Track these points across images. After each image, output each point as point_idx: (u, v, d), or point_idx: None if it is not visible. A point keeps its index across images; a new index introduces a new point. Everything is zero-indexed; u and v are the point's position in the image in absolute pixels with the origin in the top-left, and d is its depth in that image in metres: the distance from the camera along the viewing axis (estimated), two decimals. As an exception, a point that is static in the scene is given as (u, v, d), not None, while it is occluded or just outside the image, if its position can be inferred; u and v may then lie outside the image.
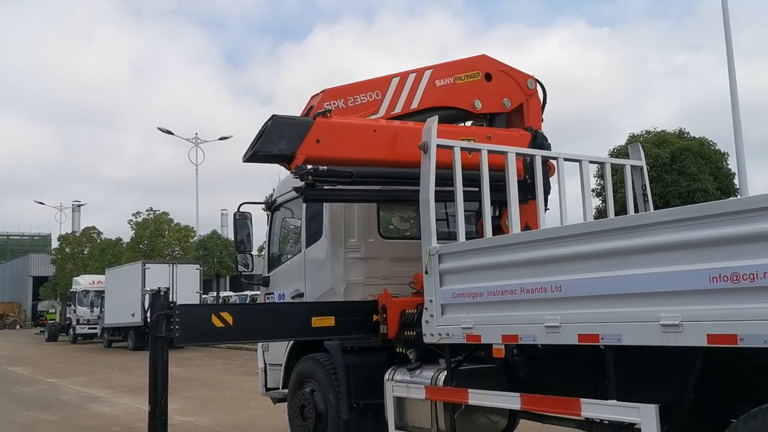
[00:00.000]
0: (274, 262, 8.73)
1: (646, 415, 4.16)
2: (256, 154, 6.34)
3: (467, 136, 6.48)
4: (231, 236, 32.97)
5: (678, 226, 4.04)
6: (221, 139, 38.61)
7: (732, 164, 16.85)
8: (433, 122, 6.06)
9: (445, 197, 6.30)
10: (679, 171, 16.19)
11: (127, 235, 43.49)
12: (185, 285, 28.41)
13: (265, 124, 6.42)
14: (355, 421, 6.82)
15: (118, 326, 30.20)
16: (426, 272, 5.82)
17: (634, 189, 7.33)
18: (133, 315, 28.07)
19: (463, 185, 5.99)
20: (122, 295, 29.23)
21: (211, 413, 11.70)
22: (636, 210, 7.23)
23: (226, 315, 5.94)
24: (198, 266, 29.85)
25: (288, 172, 6.72)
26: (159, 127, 36.66)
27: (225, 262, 31.85)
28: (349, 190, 6.81)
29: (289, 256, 8.53)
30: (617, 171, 7.54)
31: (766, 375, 4.21)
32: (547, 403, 4.93)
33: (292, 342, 7.73)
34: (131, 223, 40.17)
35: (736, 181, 16.67)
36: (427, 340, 5.84)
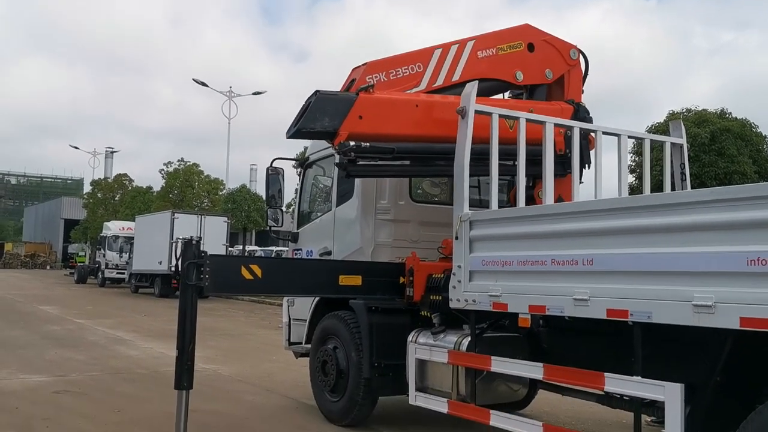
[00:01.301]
0: (303, 218, 8.79)
1: (671, 394, 4.15)
2: (300, 130, 6.35)
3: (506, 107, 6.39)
4: (260, 191, 33.41)
5: (717, 207, 3.97)
6: (255, 93, 38.70)
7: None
8: (472, 87, 5.99)
9: (478, 172, 6.25)
10: (718, 152, 15.81)
11: (157, 183, 44.05)
12: (212, 236, 28.71)
13: (308, 99, 6.41)
14: (376, 380, 6.92)
15: (145, 273, 30.72)
16: (456, 238, 5.82)
17: (672, 167, 7.22)
18: (161, 263, 28.53)
19: (499, 159, 5.95)
20: (151, 242, 29.67)
21: (233, 363, 11.91)
22: (672, 189, 7.13)
23: (255, 267, 6.01)
24: (226, 219, 30.10)
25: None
26: (194, 79, 36.81)
27: (252, 216, 32.08)
28: (390, 165, 6.80)
29: (318, 214, 8.57)
30: (654, 148, 7.39)
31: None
32: (570, 375, 4.94)
33: (317, 298, 7.82)
34: (162, 172, 40.63)
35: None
36: (453, 305, 5.87)
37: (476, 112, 5.95)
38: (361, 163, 6.56)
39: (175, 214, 28.83)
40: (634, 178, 15.11)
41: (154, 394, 9.02)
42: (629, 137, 6.91)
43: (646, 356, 4.46)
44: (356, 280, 6.54)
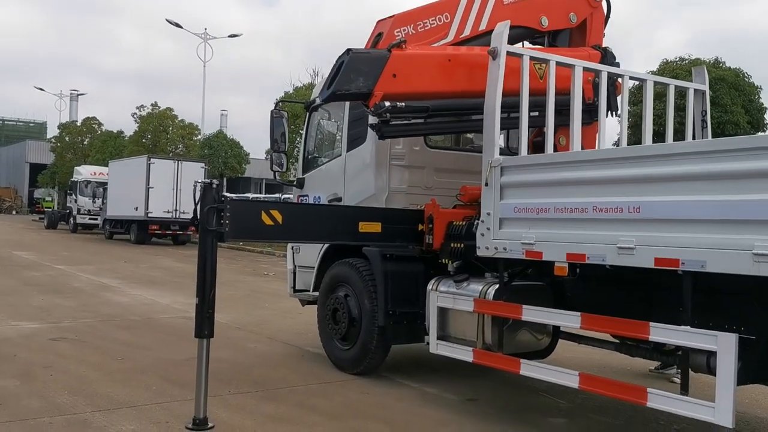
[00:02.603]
0: (309, 163, 8.53)
1: (724, 344, 4.07)
2: (335, 93, 6.13)
3: (536, 62, 6.15)
4: (236, 137, 32.80)
5: (784, 153, 3.84)
6: (231, 36, 37.63)
7: (764, 98, 16.51)
8: (504, 26, 5.74)
9: (505, 125, 6.06)
10: (712, 101, 15.71)
11: (125, 127, 43.02)
12: (190, 183, 28.00)
13: (339, 59, 6.15)
14: (390, 328, 6.83)
15: (120, 219, 30.17)
16: (486, 184, 5.64)
17: (693, 114, 7.09)
18: (137, 209, 28.05)
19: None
20: (126, 188, 29.07)
21: (227, 311, 11.71)
22: (693, 136, 7.02)
23: (275, 213, 5.78)
24: (203, 165, 29.57)
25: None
26: (167, 19, 35.58)
27: (230, 162, 31.56)
28: (424, 123, 6.60)
29: (325, 159, 8.32)
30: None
31: None
32: (611, 324, 4.84)
33: (326, 245, 7.65)
34: (135, 116, 39.57)
35: (766, 116, 16.44)
36: (481, 252, 5.73)
37: (508, 53, 5.71)
38: (394, 123, 6.35)
39: (151, 159, 28.21)
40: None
41: (153, 342, 8.85)
42: (655, 83, 6.74)
43: (694, 306, 4.38)
44: (376, 227, 6.36)
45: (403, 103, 6.13)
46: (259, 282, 16.61)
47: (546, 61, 5.97)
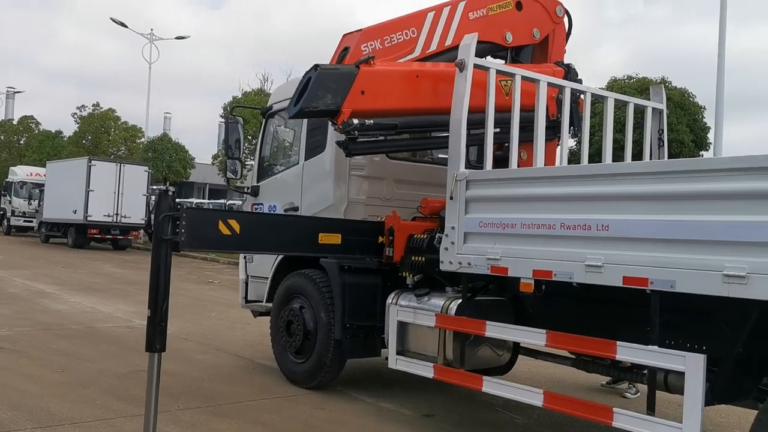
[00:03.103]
0: (264, 171, 8.31)
1: (692, 364, 4.06)
2: (303, 110, 5.98)
3: (501, 77, 6.11)
4: (181, 141, 32.06)
5: (755, 175, 3.86)
6: (178, 38, 36.80)
7: (707, 118, 17.03)
8: (472, 38, 5.69)
9: (470, 141, 6.00)
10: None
11: (65, 127, 41.61)
12: (132, 186, 27.51)
13: (307, 75, 6.02)
14: (347, 341, 6.68)
15: (57, 222, 29.13)
16: (450, 198, 5.56)
17: (651, 132, 7.18)
18: (75, 212, 27.14)
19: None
20: (64, 190, 28.08)
21: (172, 320, 11.08)
22: (651, 154, 7.11)
23: (233, 222, 5.55)
24: (146, 168, 28.82)
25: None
26: (113, 18, 34.54)
27: (174, 166, 30.80)
28: (391, 140, 6.52)
29: (282, 167, 8.12)
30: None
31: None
32: (577, 342, 4.80)
33: (280, 256, 7.46)
34: (75, 116, 38.31)
35: (709, 135, 16.97)
36: (444, 267, 5.63)
37: (474, 66, 5.66)
38: (361, 140, 6.24)
39: (92, 162, 27.34)
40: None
41: (95, 352, 8.46)
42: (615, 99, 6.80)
43: (660, 325, 4.37)
44: (336, 239, 6.20)
45: (372, 121, 6.05)
46: (204, 290, 16.19)
47: (512, 75, 5.94)
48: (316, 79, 5.88)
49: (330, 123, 6.29)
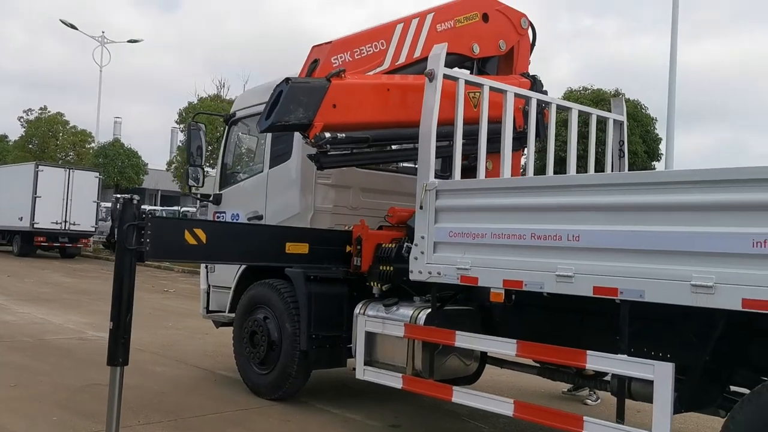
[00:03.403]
0: (227, 179, 8.18)
1: (661, 373, 4.13)
2: (275, 124, 5.96)
3: (470, 89, 6.15)
4: (134, 146, 31.44)
5: (722, 187, 3.95)
6: (130, 41, 36.10)
7: (658, 130, 17.53)
8: (441, 48, 5.71)
9: (438, 153, 6.03)
10: (606, 130, 16.37)
11: (10, 131, 40.37)
12: (82, 193, 26.87)
13: (278, 88, 6.00)
14: (313, 352, 6.62)
15: (2, 229, 28.20)
16: (420, 207, 5.56)
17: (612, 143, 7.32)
18: (21, 219, 26.35)
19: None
20: (9, 196, 27.23)
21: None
22: (612, 165, 7.25)
23: (199, 232, 5.45)
24: (97, 174, 28.16)
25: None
26: (62, 20, 33.73)
27: (126, 172, 30.14)
28: (363, 153, 6.51)
29: (245, 175, 8.02)
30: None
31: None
32: (548, 352, 4.84)
33: (244, 265, 7.35)
34: (21, 120, 37.18)
35: (661, 146, 17.44)
36: (414, 277, 5.62)
37: (444, 75, 5.69)
38: (332, 153, 6.23)
39: (40, 167, 26.59)
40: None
41: (48, 366, 8.19)
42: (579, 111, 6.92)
43: (628, 335, 4.44)
44: (303, 248, 6.14)
45: (344, 134, 6.05)
46: (160, 299, 15.86)
47: (480, 86, 5.99)
48: (288, 93, 5.86)
49: (301, 136, 6.25)
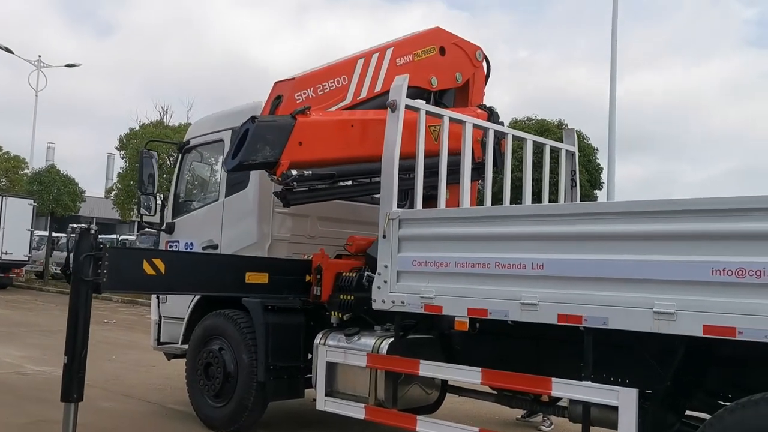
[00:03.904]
0: (180, 207, 8.02)
1: (625, 399, 4.22)
2: (242, 164, 5.98)
3: (430, 122, 6.25)
4: (70, 173, 30.43)
5: (683, 217, 4.10)
6: (68, 66, 35.23)
7: (599, 159, 18.09)
8: (403, 80, 5.79)
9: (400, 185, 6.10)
10: (556, 160, 16.80)
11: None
12: (15, 220, 25.88)
13: (244, 126, 6.04)
14: (270, 383, 6.52)
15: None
16: (383, 236, 5.57)
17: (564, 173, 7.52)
18: (-52, 247, 25.18)
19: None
20: (-64, 223, 26.00)
21: (69, 364, 10.69)
22: (564, 195, 7.44)
23: (158, 262, 5.32)
24: (31, 201, 27.20)
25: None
26: (-3, 43, 32.66)
27: (62, 200, 29.20)
28: (328, 188, 6.55)
29: (199, 203, 7.89)
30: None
31: (729, 367, 4.46)
32: (512, 379, 4.89)
33: (198, 296, 7.21)
34: (-51, 145, 35.73)
35: (602, 175, 17.98)
36: (377, 306, 5.61)
37: (406, 106, 5.76)
38: (298, 190, 6.24)
39: (-30, 194, 25.52)
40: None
41: (-5, 402, 7.81)
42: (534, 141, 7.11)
43: (593, 361, 4.52)
44: (263, 278, 6.07)
45: (310, 171, 6.10)
46: (100, 330, 15.29)
47: (440, 116, 6.09)
48: (254, 132, 5.89)
49: (268, 174, 6.26)
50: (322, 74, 6.58)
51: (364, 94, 6.72)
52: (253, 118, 6.02)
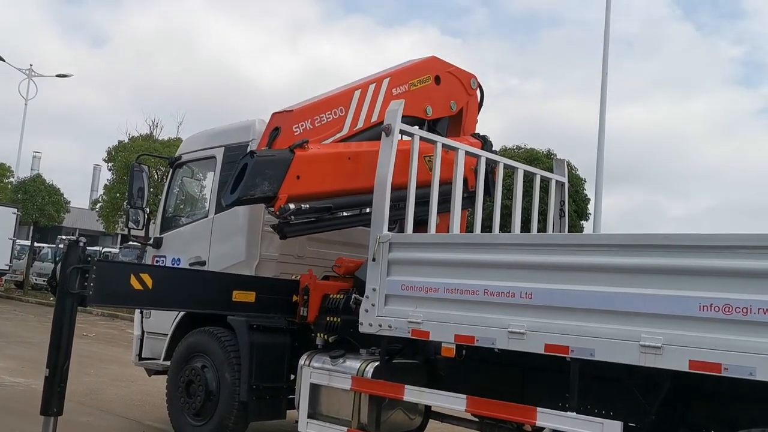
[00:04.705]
0: (168, 222, 7.99)
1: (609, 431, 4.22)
2: (240, 199, 6.04)
3: (425, 152, 6.30)
4: (55, 182, 30.22)
5: (672, 252, 4.14)
6: (60, 76, 35.15)
7: (587, 190, 18.23)
8: (399, 105, 5.84)
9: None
10: (546, 189, 16.89)
11: None
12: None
13: (242, 161, 6.11)
14: (253, 403, 6.45)
15: None
16: (373, 259, 5.57)
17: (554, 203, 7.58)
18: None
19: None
20: None
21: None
22: (553, 225, 7.48)
23: (146, 277, 5.29)
24: (15, 210, 26.96)
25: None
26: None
27: (47, 210, 28.96)
28: (324, 220, 6.57)
29: (188, 219, 7.86)
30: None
31: (713, 403, 4.48)
32: (497, 408, 4.88)
33: (182, 312, 7.15)
34: (-65, 151, 35.40)
35: (589, 206, 18.10)
36: (363, 329, 5.60)
37: (401, 131, 5.81)
38: (294, 222, 6.27)
39: (-47, 201, 25.25)
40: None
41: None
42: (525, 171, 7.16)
43: (578, 392, 4.53)
44: (250, 297, 6.05)
45: (308, 205, 6.15)
46: (79, 344, 14.94)
47: (434, 142, 6.13)
48: (253, 167, 5.94)
49: (265, 208, 6.31)
50: (319, 106, 6.62)
51: (360, 125, 6.77)
52: (252, 153, 6.09)
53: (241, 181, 5.98)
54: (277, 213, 6.05)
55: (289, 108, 6.51)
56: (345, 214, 6.75)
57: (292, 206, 6.03)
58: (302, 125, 6.38)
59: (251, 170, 5.94)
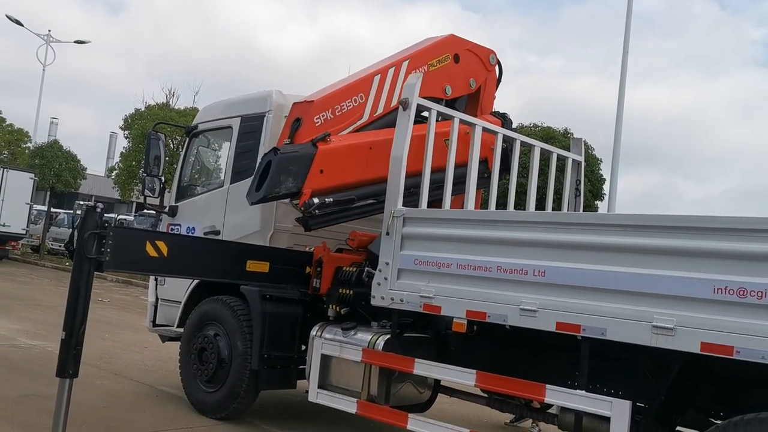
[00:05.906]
0: (184, 191, 8.03)
1: (618, 410, 4.24)
2: (266, 197, 6.07)
3: (445, 135, 6.26)
4: (72, 148, 30.41)
5: (688, 234, 4.12)
6: (77, 42, 35.16)
7: (603, 170, 18.10)
8: (417, 78, 5.81)
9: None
10: (562, 168, 16.70)
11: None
12: (14, 193, 25.82)
13: (266, 158, 6.14)
14: (264, 372, 6.53)
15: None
16: (387, 233, 5.59)
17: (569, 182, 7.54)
18: (-55, 218, 25.14)
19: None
20: (-65, 193, 25.94)
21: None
22: (568, 203, 7.46)
23: (161, 244, 5.34)
24: (32, 176, 27.15)
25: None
26: (8, 15, 32.63)
27: (63, 176, 29.17)
28: (347, 210, 6.54)
29: (203, 188, 7.90)
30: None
31: (723, 385, 4.48)
32: (506, 384, 4.90)
33: (197, 280, 7.22)
34: (-47, 114, 35.71)
35: (604, 187, 17.98)
36: (375, 302, 5.63)
37: (418, 105, 5.78)
38: (320, 213, 6.26)
39: (-29, 164, 25.47)
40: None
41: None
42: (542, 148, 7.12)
43: (589, 371, 4.54)
44: (263, 267, 6.09)
45: (331, 198, 6.16)
46: (95, 309, 15.10)
47: (451, 118, 6.11)
48: (277, 164, 5.94)
49: (290, 202, 6.32)
50: (339, 94, 6.56)
51: (380, 110, 6.72)
52: (275, 150, 6.08)
53: (265, 179, 6.00)
54: (302, 208, 6.07)
55: (310, 98, 6.46)
56: (367, 204, 6.73)
57: (316, 200, 6.04)
58: (323, 115, 6.35)
59: (275, 168, 5.95)
